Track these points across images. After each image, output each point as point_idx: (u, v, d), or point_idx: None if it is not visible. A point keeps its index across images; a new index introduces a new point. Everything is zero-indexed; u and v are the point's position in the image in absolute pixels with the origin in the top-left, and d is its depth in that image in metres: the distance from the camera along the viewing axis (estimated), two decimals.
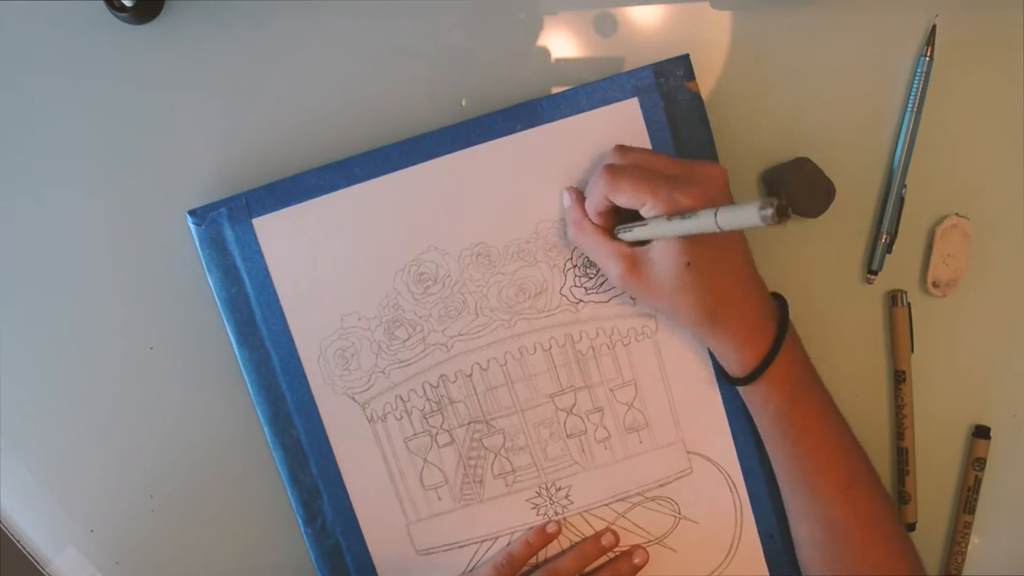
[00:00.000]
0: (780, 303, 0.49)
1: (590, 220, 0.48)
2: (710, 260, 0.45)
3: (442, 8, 0.53)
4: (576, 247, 0.50)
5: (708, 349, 0.51)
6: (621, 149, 0.48)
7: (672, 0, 0.53)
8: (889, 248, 0.54)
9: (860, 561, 0.47)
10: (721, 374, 0.50)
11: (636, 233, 0.46)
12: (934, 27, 0.54)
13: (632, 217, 0.47)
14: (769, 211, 0.34)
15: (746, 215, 0.35)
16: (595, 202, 0.47)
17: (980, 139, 0.55)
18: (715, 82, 0.54)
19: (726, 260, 0.46)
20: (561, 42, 0.53)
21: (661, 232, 0.44)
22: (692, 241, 0.45)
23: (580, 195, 0.49)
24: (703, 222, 0.39)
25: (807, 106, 0.54)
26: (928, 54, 0.54)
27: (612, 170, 0.46)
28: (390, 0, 0.52)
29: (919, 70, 0.54)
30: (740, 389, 0.49)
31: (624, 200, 0.45)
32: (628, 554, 0.52)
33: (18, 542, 0.52)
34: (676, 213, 0.43)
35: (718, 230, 0.38)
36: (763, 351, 0.47)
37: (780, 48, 0.54)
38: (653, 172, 0.45)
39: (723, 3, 0.54)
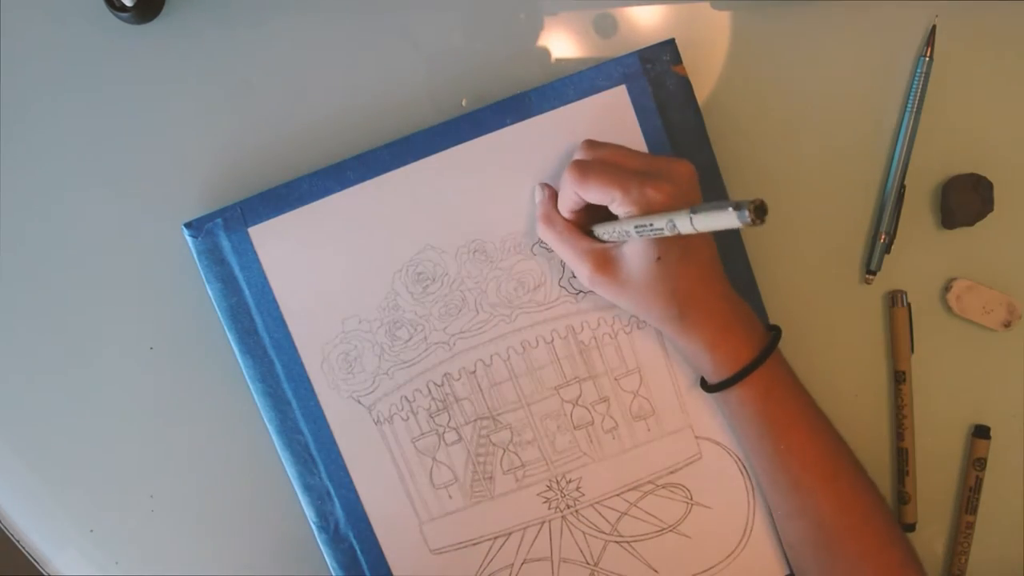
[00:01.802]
0: (774, 329, 0.49)
1: (561, 216, 0.48)
2: (679, 256, 0.45)
3: (442, 9, 0.53)
4: (545, 242, 0.50)
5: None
6: (590, 144, 0.48)
7: (672, 0, 0.53)
8: (888, 248, 0.54)
9: (853, 553, 0.47)
10: (701, 382, 0.50)
11: (611, 232, 0.46)
12: (934, 27, 0.54)
13: (604, 218, 0.46)
14: (746, 213, 0.33)
15: (722, 217, 0.35)
16: (566, 199, 0.47)
17: (980, 140, 0.55)
18: (715, 82, 0.54)
19: (694, 256, 0.46)
20: (561, 42, 0.53)
21: (637, 231, 0.43)
22: (662, 237, 0.44)
23: (553, 191, 0.49)
24: (679, 223, 0.39)
25: (807, 106, 0.54)
26: (928, 54, 0.53)
27: (580, 165, 0.45)
28: (390, 1, 0.53)
29: (919, 70, 0.54)
30: (716, 395, 0.49)
31: (593, 196, 0.45)
32: None
33: (18, 542, 0.53)
34: (648, 210, 0.43)
35: (692, 230, 0.38)
36: (737, 355, 0.46)
37: (780, 48, 0.54)
38: (622, 167, 0.45)
39: (723, 3, 0.54)
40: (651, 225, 0.41)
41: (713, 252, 0.47)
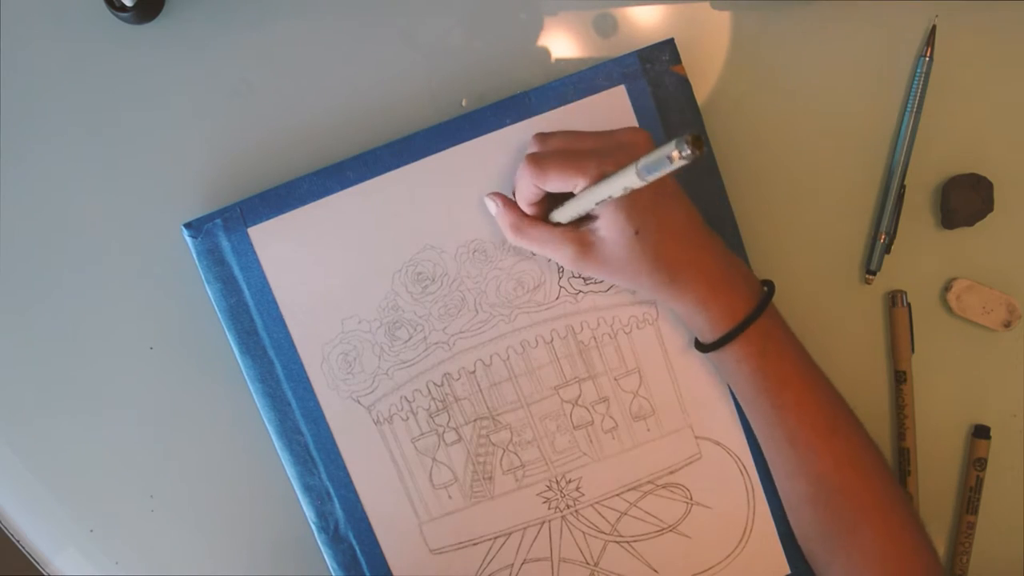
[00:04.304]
0: (767, 284, 0.49)
1: (527, 217, 0.48)
2: (656, 224, 0.45)
3: (442, 9, 0.53)
4: (521, 247, 0.50)
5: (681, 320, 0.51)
6: (540, 136, 0.48)
7: (672, 0, 0.53)
8: (888, 248, 0.54)
9: (853, 510, 0.47)
10: (695, 343, 0.50)
11: (570, 210, 0.46)
12: (934, 27, 0.54)
13: (562, 201, 0.47)
14: (685, 146, 0.33)
15: (663, 155, 0.35)
16: (526, 194, 0.47)
17: (980, 140, 0.55)
18: (715, 82, 0.54)
19: (672, 221, 0.46)
20: (561, 42, 0.53)
21: (592, 199, 0.43)
22: (635, 209, 0.45)
23: (506, 199, 0.49)
24: (627, 177, 0.39)
25: (807, 106, 0.54)
26: (928, 54, 0.53)
27: (536, 158, 0.45)
28: (390, 1, 0.53)
29: (919, 70, 0.53)
30: (712, 354, 0.49)
31: (554, 185, 0.45)
32: None
33: (18, 542, 0.53)
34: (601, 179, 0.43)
35: (640, 181, 0.38)
36: (732, 311, 0.46)
37: (780, 48, 0.54)
38: (576, 151, 0.45)
39: (723, 3, 0.54)
40: (605, 185, 0.41)
41: (690, 212, 0.47)
